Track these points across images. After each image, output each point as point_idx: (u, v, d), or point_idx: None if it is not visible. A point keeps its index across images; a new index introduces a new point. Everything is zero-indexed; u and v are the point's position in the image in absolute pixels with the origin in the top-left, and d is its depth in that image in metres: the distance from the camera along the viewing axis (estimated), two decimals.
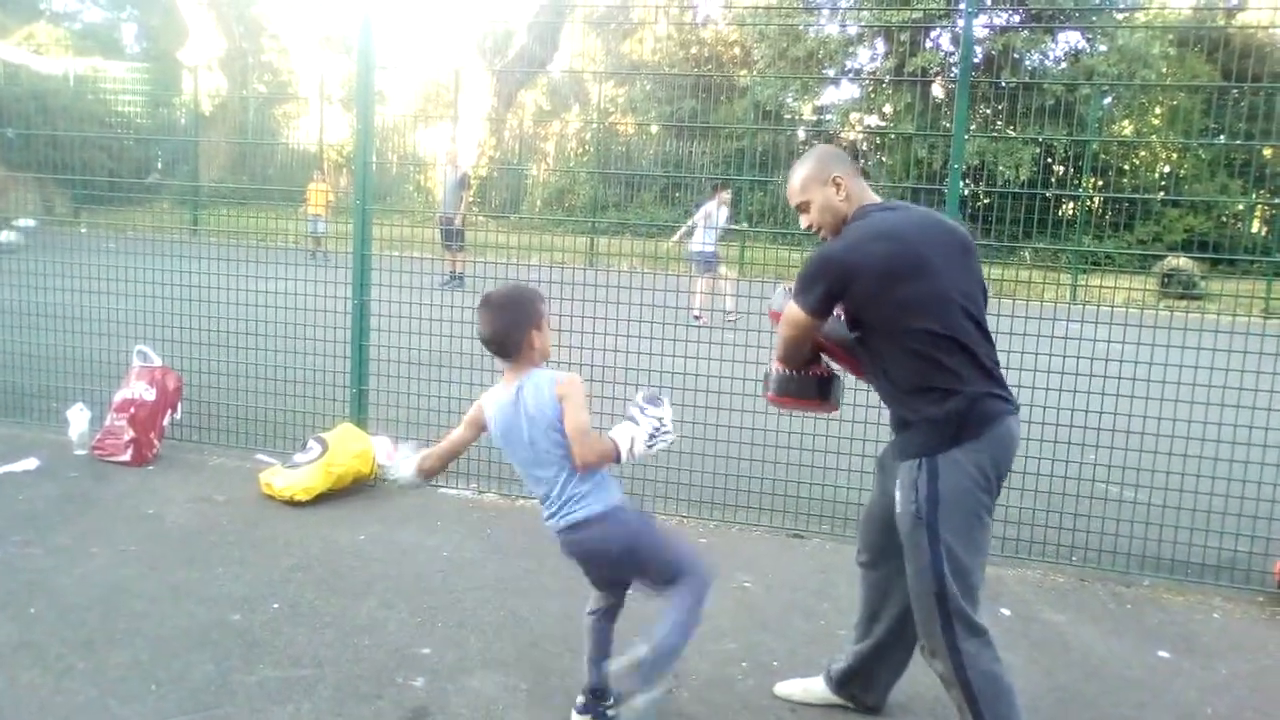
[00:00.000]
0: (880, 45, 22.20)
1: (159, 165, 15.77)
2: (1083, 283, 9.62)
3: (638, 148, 22.21)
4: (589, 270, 6.21)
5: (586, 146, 23.31)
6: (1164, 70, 19.28)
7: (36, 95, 12.47)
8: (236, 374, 5.25)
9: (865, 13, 20.81)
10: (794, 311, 2.48)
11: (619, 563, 2.55)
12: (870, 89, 21.94)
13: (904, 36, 19.37)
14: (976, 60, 18.55)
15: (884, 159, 20.71)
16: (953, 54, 18.80)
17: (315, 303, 5.14)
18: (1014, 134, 16.84)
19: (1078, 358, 4.18)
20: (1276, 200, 13.10)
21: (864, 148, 21.50)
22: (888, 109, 21.89)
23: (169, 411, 5.06)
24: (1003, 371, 2.48)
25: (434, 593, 3.57)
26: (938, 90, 19.02)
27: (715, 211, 11.65)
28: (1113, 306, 4.61)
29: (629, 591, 2.70)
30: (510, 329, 2.50)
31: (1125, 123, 19.62)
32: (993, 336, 2.48)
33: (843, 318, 2.57)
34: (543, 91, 29.29)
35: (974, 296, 2.43)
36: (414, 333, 4.95)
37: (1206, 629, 3.66)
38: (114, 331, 5.44)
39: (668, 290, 4.72)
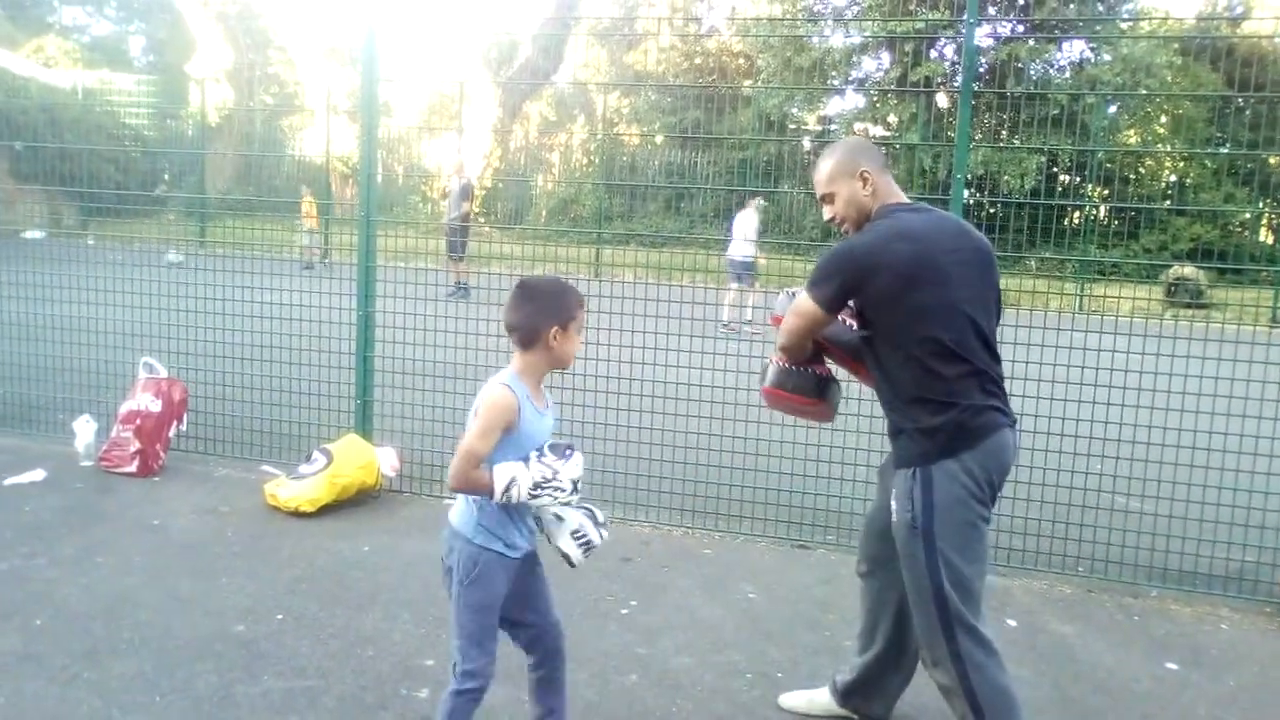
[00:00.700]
0: (885, 55, 22.24)
1: (166, 177, 15.85)
2: (1088, 292, 9.61)
3: (643, 158, 22.26)
4: (594, 281, 6.21)
5: (591, 157, 23.37)
6: (1168, 79, 19.28)
7: (45, 108, 12.56)
8: (242, 385, 5.26)
9: (870, 23, 20.86)
10: (805, 302, 2.46)
11: (446, 577, 2.42)
12: (875, 99, 21.97)
13: (908, 47, 19.40)
14: (981, 70, 18.58)
15: (890, 169, 20.70)
16: (957, 64, 18.84)
17: (320, 314, 5.15)
18: (1018, 143, 16.83)
19: (1083, 367, 4.16)
20: None
21: None
22: (892, 119, 21.91)
23: (175, 423, 5.08)
24: (1006, 384, 2.47)
25: (438, 604, 3.56)
26: (942, 100, 19.03)
27: (746, 222, 11.72)
28: (1117, 316, 4.60)
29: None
30: (532, 319, 2.27)
31: (1130, 132, 19.62)
32: (999, 350, 2.47)
33: (848, 320, 2.56)
34: (548, 103, 29.40)
35: (986, 309, 2.42)
36: (419, 344, 4.95)
37: (1215, 640, 3.63)
38: (120, 343, 5.46)
39: (672, 301, 4.72)
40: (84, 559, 3.78)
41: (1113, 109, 18.05)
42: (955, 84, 4.25)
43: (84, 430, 4.97)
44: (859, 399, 4.33)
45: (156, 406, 4.96)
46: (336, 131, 19.40)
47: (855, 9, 22.52)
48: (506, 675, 3.05)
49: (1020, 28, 18.98)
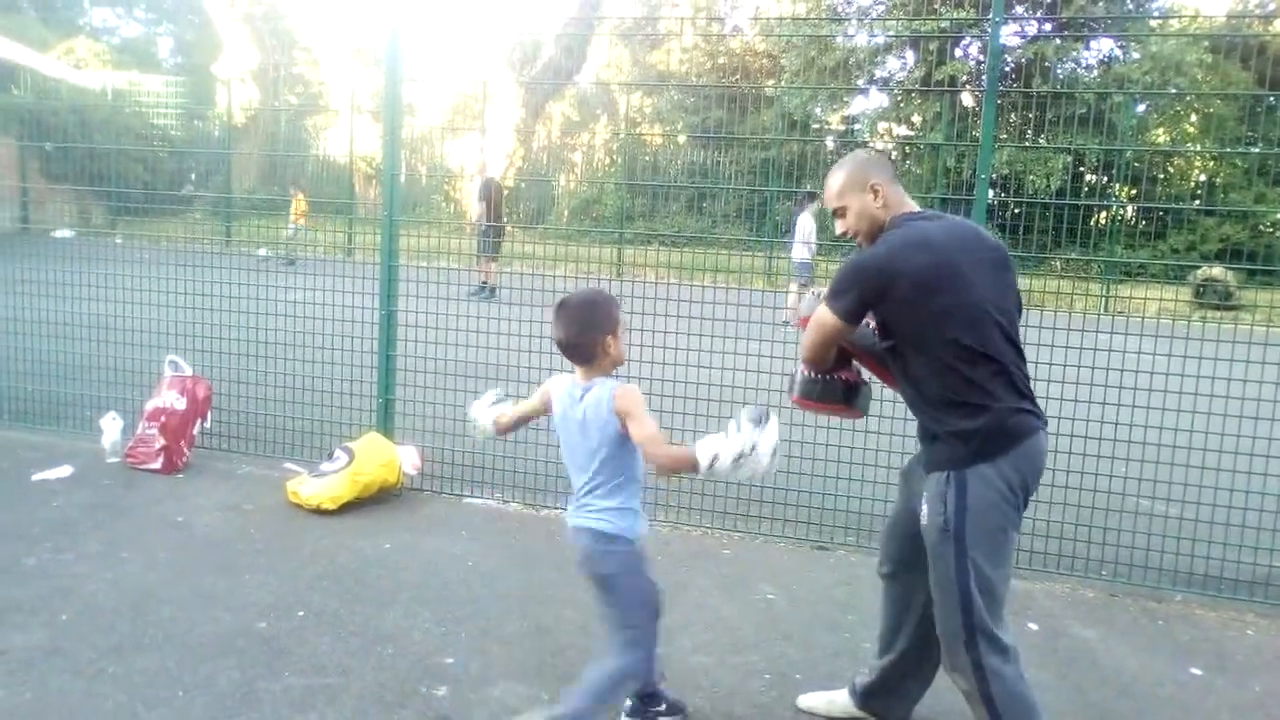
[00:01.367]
0: (909, 55, 22.10)
1: (193, 177, 16.02)
2: (1114, 293, 9.51)
3: (665, 158, 22.25)
4: (616, 280, 6.22)
5: (614, 157, 23.39)
6: (1199, 77, 19.03)
7: (75, 109, 12.72)
8: (265, 383, 5.31)
9: (894, 22, 20.73)
10: (824, 315, 2.46)
11: (598, 584, 2.55)
12: (899, 98, 21.83)
13: (932, 46, 19.27)
14: (1007, 69, 18.43)
15: (914, 168, 20.59)
16: (982, 63, 18.70)
17: (343, 313, 5.19)
18: (1044, 143, 16.68)
19: (1107, 369, 4.12)
20: None
21: (893, 157, 21.37)
22: (916, 119, 21.77)
23: (199, 420, 5.13)
24: (1033, 385, 2.45)
25: (458, 602, 3.59)
26: (967, 99, 18.90)
27: (805, 223, 11.63)
28: (1143, 317, 4.54)
29: None
30: (584, 335, 2.46)
31: (1159, 131, 19.39)
32: (1024, 350, 2.45)
33: (872, 326, 2.55)
34: (571, 103, 29.44)
35: (1008, 311, 2.41)
36: (441, 343, 4.98)
37: (1240, 646, 3.59)
38: (146, 341, 5.53)
39: (694, 301, 4.71)
40: (110, 554, 3.83)
41: (1141, 108, 17.84)
42: (980, 83, 4.21)
43: (110, 427, 5.04)
44: (880, 400, 4.31)
45: (181, 404, 5.02)
46: (360, 131, 19.56)
47: (880, 8, 22.40)
48: (522, 674, 3.07)
49: (1047, 26, 18.79)
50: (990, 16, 4.32)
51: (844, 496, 4.40)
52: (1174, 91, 17.84)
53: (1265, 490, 3.95)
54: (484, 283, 9.50)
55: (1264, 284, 8.36)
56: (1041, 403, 2.47)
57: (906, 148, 20.91)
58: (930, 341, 2.35)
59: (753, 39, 25.85)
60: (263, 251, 9.94)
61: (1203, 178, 18.09)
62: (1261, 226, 15.69)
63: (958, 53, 20.38)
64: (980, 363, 2.31)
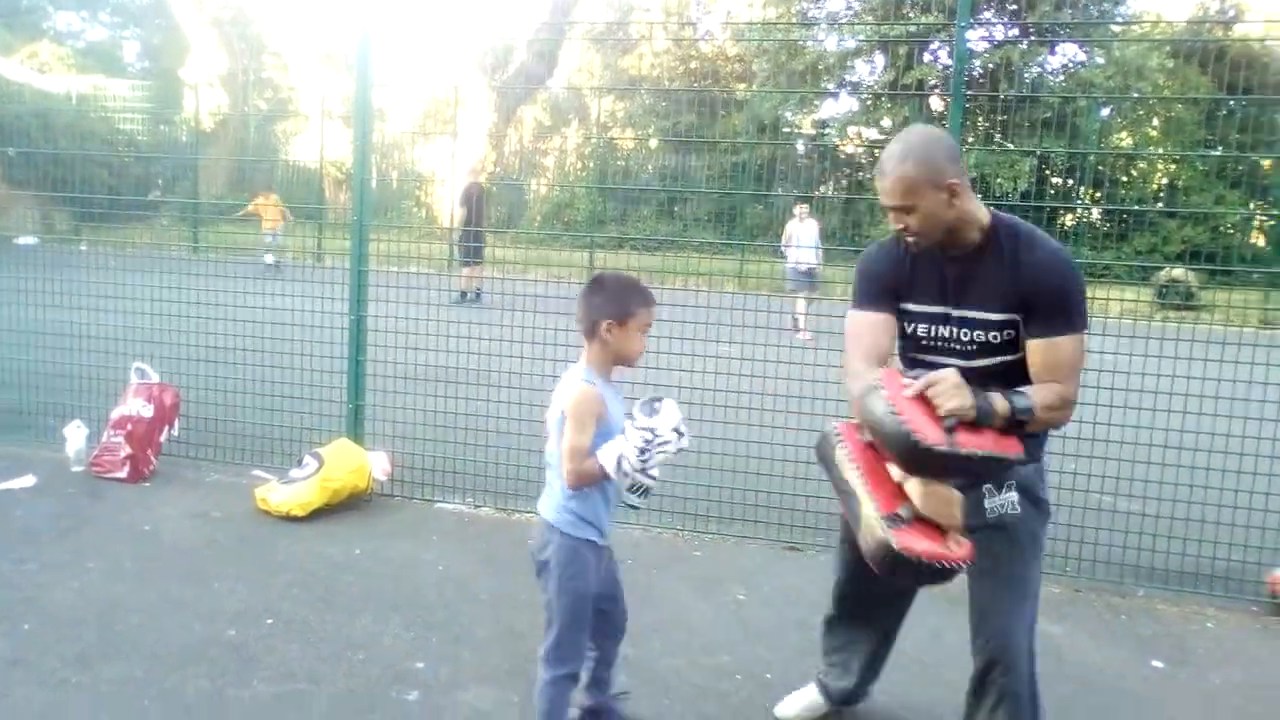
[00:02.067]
0: (879, 59, 22.32)
1: (160, 182, 15.84)
2: None
3: (637, 162, 22.29)
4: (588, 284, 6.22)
5: (586, 161, 23.41)
6: (1161, 82, 19.36)
7: (39, 114, 12.53)
8: (233, 390, 5.27)
9: (863, 27, 20.92)
10: (1082, 340, 2.21)
11: (537, 571, 2.49)
12: (869, 102, 22.03)
13: (901, 50, 19.46)
14: (976, 74, 18.65)
15: None
16: (950, 67, 18.91)
17: (312, 318, 5.16)
18: (1011, 146, 16.89)
19: None
20: (1274, 211, 13.13)
21: (863, 160, 21.55)
22: (886, 122, 21.96)
23: (166, 428, 5.08)
24: None
25: (429, 607, 3.58)
26: (936, 103, 19.09)
27: (800, 228, 11.59)
28: (1106, 317, 4.62)
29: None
30: (589, 311, 2.38)
31: (1123, 134, 19.69)
32: None
33: (992, 337, 2.28)
34: (543, 107, 29.43)
35: None
36: (411, 348, 4.97)
37: (1200, 639, 3.66)
38: (112, 349, 5.47)
39: (665, 304, 4.72)
40: (74, 564, 3.79)
41: (1105, 112, 18.11)
42: (948, 87, 4.26)
43: (75, 436, 4.97)
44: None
45: (148, 411, 4.97)
46: (331, 137, 19.43)
47: (849, 13, 22.60)
48: (493, 678, 3.07)
49: (1013, 31, 19.05)
50: (956, 21, 4.38)
51: (814, 497, 4.43)
52: (1136, 96, 18.13)
53: (1224, 486, 4.03)
54: (463, 291, 9.44)
55: (1224, 284, 8.51)
56: None
57: (876, 151, 21.08)
58: None
59: (724, 43, 25.99)
60: (269, 259, 9.98)
61: (1165, 181, 18.40)
62: (1221, 228, 15.98)
63: (926, 57, 20.61)
64: None
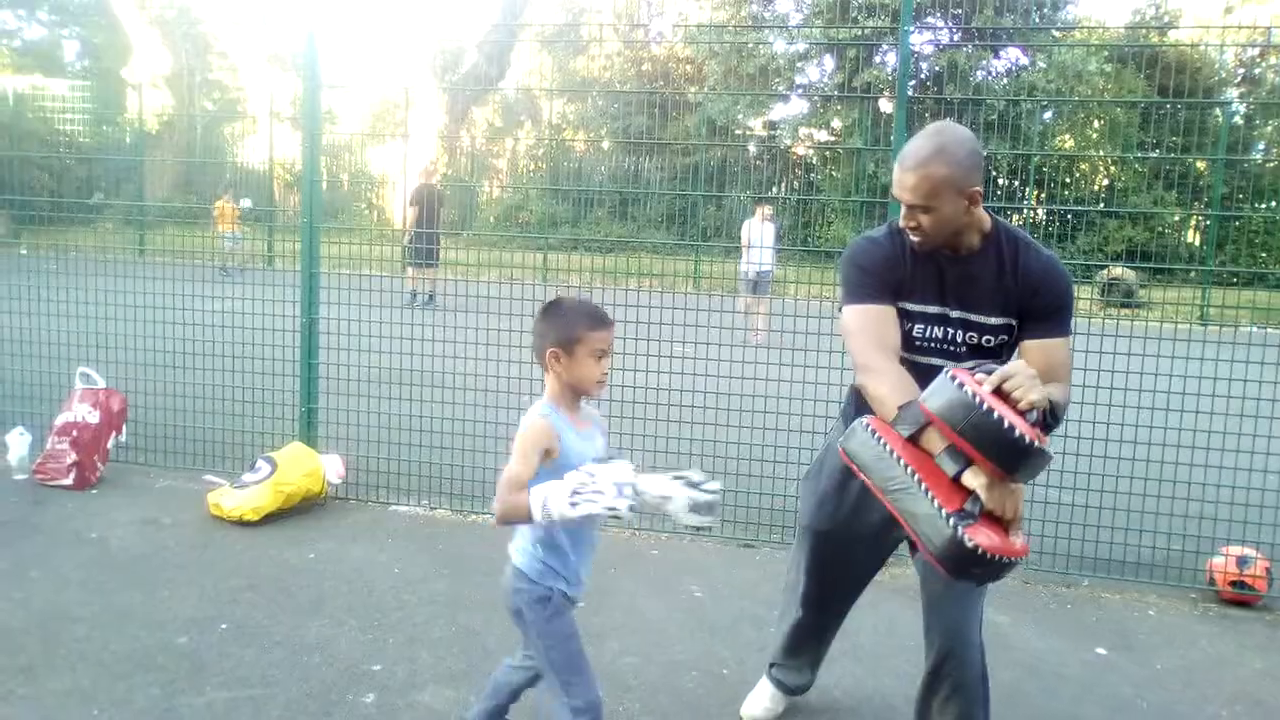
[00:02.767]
0: (829, 61, 22.58)
1: (103, 185, 15.49)
2: None
3: (590, 164, 22.30)
4: (542, 286, 6.22)
5: (539, 163, 23.36)
6: (1100, 86, 19.86)
7: None
8: (183, 394, 5.19)
9: (813, 30, 21.15)
10: (1071, 343, 2.32)
11: (516, 619, 2.32)
12: (819, 104, 22.28)
13: (850, 53, 19.73)
14: (924, 77, 18.96)
15: (834, 173, 21.02)
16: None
17: (263, 321, 5.10)
18: None
19: None
20: (1209, 211, 13.55)
21: (814, 162, 21.79)
22: (836, 124, 22.24)
23: (113, 434, 4.99)
24: None
25: (385, 609, 3.56)
26: (885, 105, 19.37)
27: (760, 229, 11.55)
28: None
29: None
30: (536, 339, 2.23)
31: (1065, 137, 20.17)
32: None
33: (986, 340, 2.33)
34: (495, 109, 29.32)
35: None
36: (364, 350, 4.93)
37: (1142, 626, 3.77)
38: (55, 354, 5.36)
39: (616, 305, 4.75)
40: (16, 573, 3.70)
41: (1047, 115, 18.53)
42: (896, 90, 4.36)
43: (17, 443, 4.86)
44: (804, 399, 4.42)
45: (94, 417, 4.88)
46: (280, 138, 19.15)
47: (799, 16, 22.85)
48: (450, 678, 3.07)
49: (957, 35, 19.40)
50: (900, 25, 4.47)
51: (769, 495, 4.49)
52: (1077, 99, 18.57)
53: (1161, 477, 4.16)
54: (413, 292, 9.36)
55: (1164, 283, 8.78)
56: None
57: (827, 152, 21.33)
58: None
59: (675, 45, 26.10)
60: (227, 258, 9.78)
61: (1105, 182, 18.87)
62: (1160, 228, 16.44)
63: (876, 60, 20.90)
64: None
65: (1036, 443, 1.81)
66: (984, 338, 2.31)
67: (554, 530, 2.20)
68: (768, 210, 12.15)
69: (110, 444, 4.97)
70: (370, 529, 4.42)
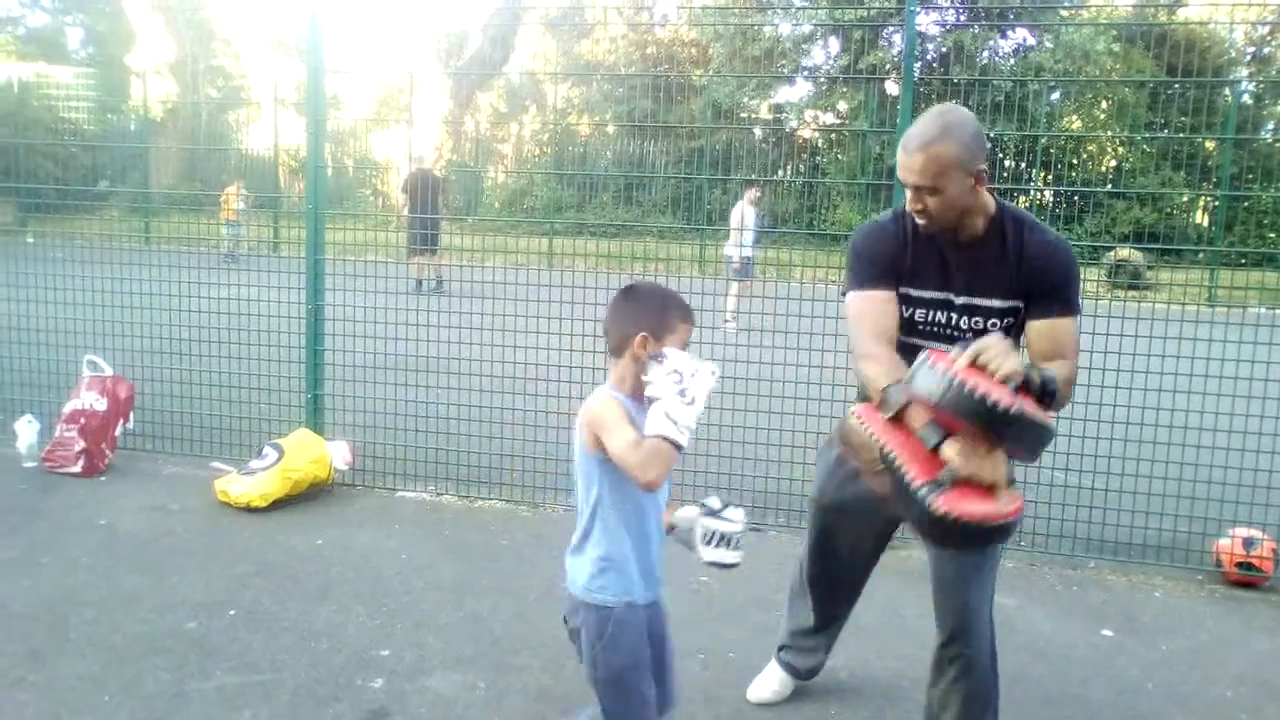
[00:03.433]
0: (834, 44, 22.44)
1: (108, 173, 15.50)
2: None
3: (595, 148, 22.23)
4: (547, 271, 6.21)
5: (544, 148, 23.30)
6: (1108, 66, 19.70)
7: None
8: (190, 382, 5.21)
9: (819, 11, 21.01)
10: (1079, 323, 2.31)
11: (573, 637, 2.13)
12: (825, 87, 22.17)
13: (856, 34, 19.59)
14: (930, 58, 18.84)
15: (840, 155, 20.93)
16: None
17: (269, 308, 5.11)
18: None
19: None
20: (1218, 192, 13.45)
21: (819, 145, 21.70)
22: (842, 106, 22.12)
23: (121, 421, 5.01)
24: None
25: (392, 595, 3.58)
26: (891, 87, 19.26)
27: (746, 213, 11.34)
28: None
29: None
30: (621, 322, 2.05)
31: (1072, 117, 20.03)
32: None
33: (991, 324, 2.32)
34: (499, 94, 29.23)
35: None
36: (369, 336, 4.94)
37: (1148, 608, 3.77)
38: (63, 342, 5.37)
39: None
40: (27, 560, 3.73)
41: (1055, 95, 18.41)
42: (902, 72, 4.33)
43: (26, 431, 4.88)
44: (809, 382, 4.41)
45: (102, 405, 4.89)
46: (284, 125, 19.13)
47: None
48: (457, 663, 3.08)
49: (963, 15, 19.27)
50: (906, 5, 4.43)
51: (775, 479, 4.49)
52: (1085, 79, 18.43)
53: (1169, 460, 4.15)
54: (418, 280, 9.36)
55: (1171, 264, 8.73)
56: None
57: (833, 135, 21.23)
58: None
59: (680, 28, 25.96)
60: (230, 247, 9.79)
61: (1113, 163, 18.74)
62: (1168, 209, 16.34)
63: (881, 42, 20.76)
64: None
65: (1016, 409, 1.81)
66: (989, 321, 2.30)
67: (615, 524, 2.03)
68: (755, 193, 11.94)
69: (118, 431, 4.99)
70: (377, 515, 4.44)
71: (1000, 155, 18.23)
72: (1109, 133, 18.74)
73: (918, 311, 2.34)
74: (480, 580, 3.74)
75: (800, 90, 23.50)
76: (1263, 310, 7.63)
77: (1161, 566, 4.11)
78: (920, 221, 2.25)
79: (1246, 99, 18.12)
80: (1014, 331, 2.32)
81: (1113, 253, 10.81)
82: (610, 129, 23.01)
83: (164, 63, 25.72)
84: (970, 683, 2.43)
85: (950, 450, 1.91)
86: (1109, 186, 16.80)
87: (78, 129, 13.79)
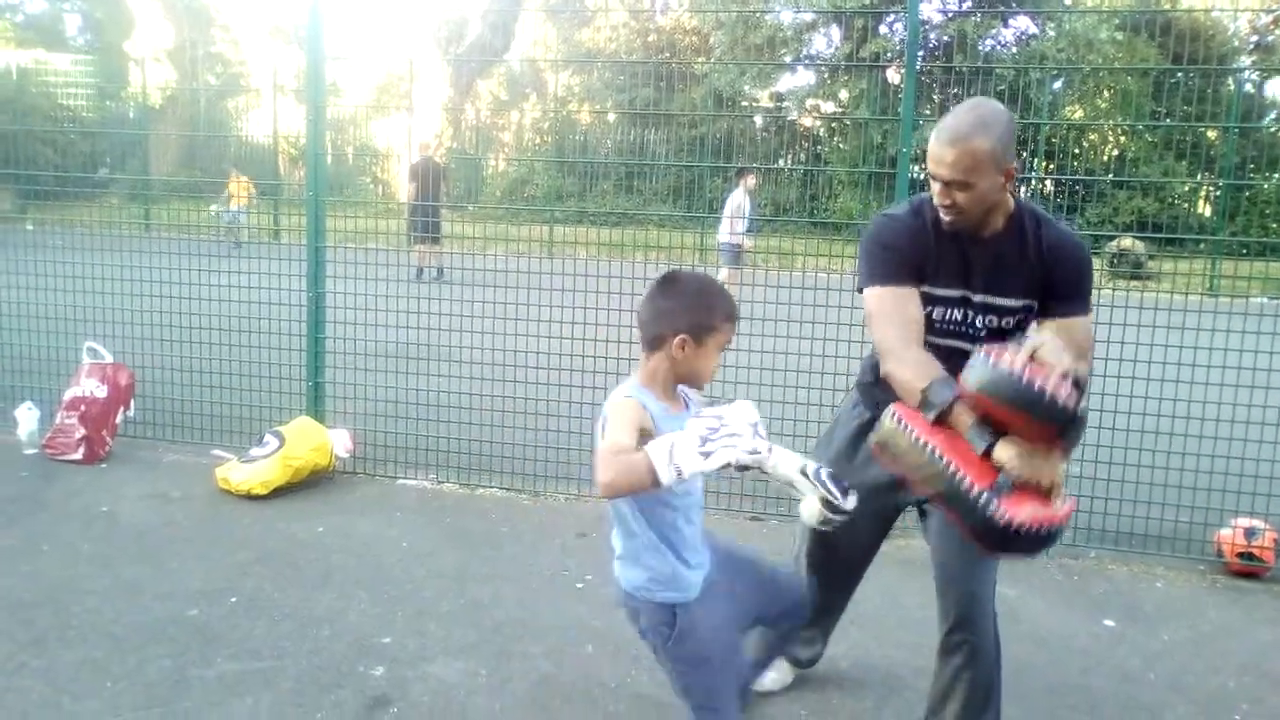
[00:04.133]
0: (835, 31, 22.34)
1: (107, 160, 15.45)
2: None
3: (595, 136, 22.17)
4: (548, 259, 6.21)
5: (544, 136, 23.24)
6: (1111, 54, 19.63)
7: None
8: (191, 369, 5.19)
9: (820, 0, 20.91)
10: (1092, 321, 2.29)
11: (644, 636, 2.05)
12: (826, 75, 22.09)
13: (857, 23, 19.51)
14: (932, 46, 18.76)
15: (841, 144, 20.87)
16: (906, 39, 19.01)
17: (270, 295, 5.09)
18: None
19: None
20: (1220, 181, 13.42)
21: (820, 133, 21.64)
22: (843, 95, 22.04)
23: (122, 408, 5.00)
24: None
25: (393, 582, 3.58)
26: (892, 75, 19.19)
27: (743, 200, 11.15)
28: None
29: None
30: (660, 318, 1.94)
31: (1075, 106, 19.97)
32: None
33: (1006, 323, 2.30)
34: (500, 82, 29.13)
35: None
36: (370, 324, 4.93)
37: (1150, 598, 3.77)
38: (63, 329, 5.36)
39: (625, 277, 4.73)
40: (27, 547, 3.73)
41: (1057, 84, 18.34)
42: (904, 60, 4.31)
43: (26, 418, 4.88)
44: (810, 371, 4.41)
45: (102, 392, 4.89)
46: (283, 112, 19.07)
47: None
48: (459, 650, 3.09)
49: (966, 3, 19.18)
50: None
51: None
52: (1088, 68, 18.36)
53: (1171, 449, 4.14)
54: (420, 268, 9.34)
55: (1173, 254, 8.71)
56: None
57: (834, 124, 21.16)
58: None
59: (681, 16, 25.85)
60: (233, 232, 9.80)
61: (1115, 152, 18.69)
62: (1170, 199, 16.31)
63: (883, 30, 20.68)
64: None
65: (1081, 407, 1.80)
66: (1003, 320, 2.28)
67: (660, 527, 1.96)
68: (753, 180, 11.72)
69: (119, 419, 4.98)
70: (378, 503, 4.44)
71: None
72: (1111, 121, 18.68)
73: (935, 309, 2.30)
74: (481, 568, 3.74)
75: (802, 79, 23.42)
76: (1265, 300, 7.62)
77: (1163, 557, 4.11)
78: (946, 217, 2.20)
79: (1249, 87, 18.06)
80: (1023, 330, 2.29)
81: (1114, 242, 10.79)
82: (611, 117, 22.94)
83: (162, 49, 25.62)
84: (975, 671, 2.43)
85: (1004, 453, 1.87)
86: (1111, 176, 16.75)
87: (76, 116, 13.74)
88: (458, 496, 4.60)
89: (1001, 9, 19.47)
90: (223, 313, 5.16)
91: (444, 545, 3.97)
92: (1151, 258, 9.96)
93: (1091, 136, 19.17)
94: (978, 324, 2.30)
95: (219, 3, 28.57)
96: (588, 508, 4.44)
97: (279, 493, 4.38)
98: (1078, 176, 16.50)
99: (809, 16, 21.98)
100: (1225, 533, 4.04)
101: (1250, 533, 3.98)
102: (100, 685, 2.78)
